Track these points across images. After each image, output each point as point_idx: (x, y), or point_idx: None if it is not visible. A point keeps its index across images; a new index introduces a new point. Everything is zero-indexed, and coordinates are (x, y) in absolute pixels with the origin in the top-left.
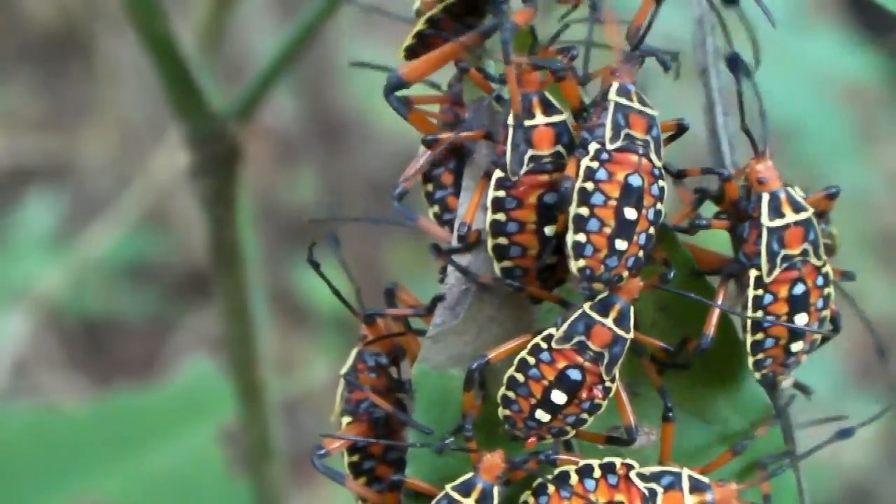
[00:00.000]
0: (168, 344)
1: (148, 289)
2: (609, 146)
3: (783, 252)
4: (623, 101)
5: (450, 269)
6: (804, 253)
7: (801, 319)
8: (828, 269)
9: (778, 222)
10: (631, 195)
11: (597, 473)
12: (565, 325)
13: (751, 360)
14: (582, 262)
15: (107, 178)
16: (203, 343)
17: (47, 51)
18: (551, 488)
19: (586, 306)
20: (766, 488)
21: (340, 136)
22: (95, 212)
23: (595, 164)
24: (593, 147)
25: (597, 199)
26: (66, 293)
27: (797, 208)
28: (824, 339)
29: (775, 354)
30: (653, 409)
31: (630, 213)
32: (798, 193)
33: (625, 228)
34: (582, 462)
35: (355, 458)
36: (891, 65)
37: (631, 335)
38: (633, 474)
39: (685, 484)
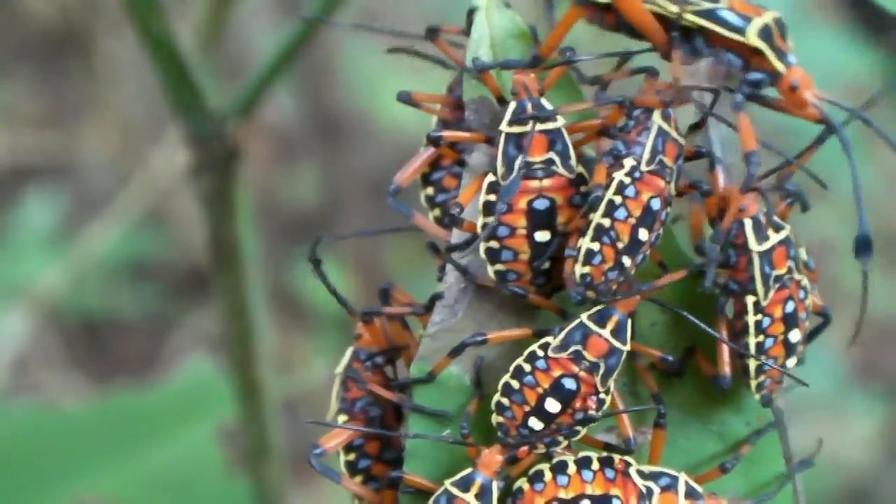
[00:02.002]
0: (168, 343)
1: (148, 287)
2: (644, 167)
3: (774, 273)
4: (665, 126)
5: (449, 267)
6: (789, 270)
7: (794, 336)
8: (805, 281)
9: (766, 245)
10: (648, 217)
11: (595, 466)
12: (562, 334)
13: (753, 383)
14: (587, 269)
15: (106, 176)
16: (202, 342)
17: (47, 49)
18: (548, 476)
19: (584, 316)
20: None
21: (340, 135)
22: (95, 210)
23: (627, 180)
24: (629, 163)
25: (620, 213)
26: (65, 291)
27: (777, 227)
28: (811, 336)
29: (773, 374)
30: (651, 410)
31: (643, 234)
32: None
33: (634, 247)
34: (581, 453)
35: (351, 456)
36: (891, 63)
37: (627, 347)
38: (631, 471)
39: (681, 488)
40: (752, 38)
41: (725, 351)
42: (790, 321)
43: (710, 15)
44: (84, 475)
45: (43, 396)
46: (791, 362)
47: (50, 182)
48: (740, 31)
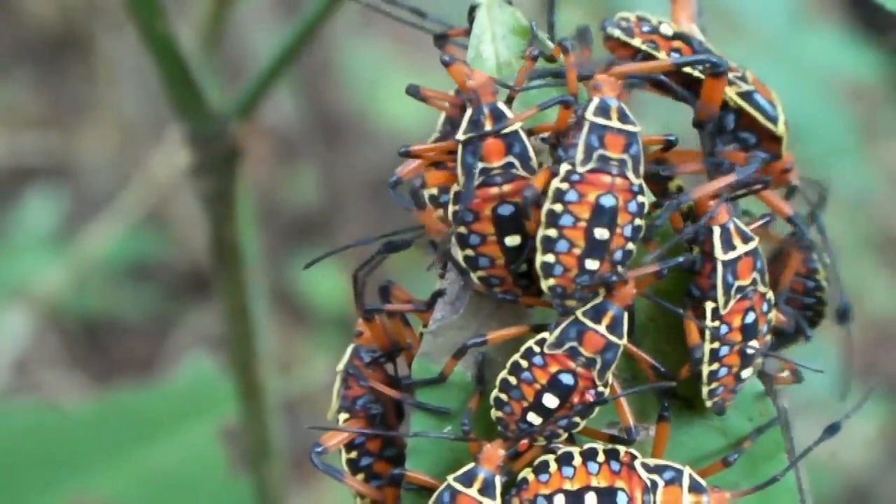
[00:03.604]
0: (168, 343)
1: (148, 288)
2: (580, 168)
3: (737, 283)
4: (599, 120)
5: (449, 264)
6: (754, 282)
7: (752, 347)
8: (770, 294)
9: (731, 255)
10: (603, 216)
11: (600, 458)
12: (557, 331)
13: (705, 389)
14: (552, 282)
15: (107, 176)
16: (203, 342)
17: (47, 49)
18: (553, 467)
19: (579, 313)
20: None
21: (340, 135)
22: (96, 211)
23: (565, 186)
24: (564, 168)
25: (565, 220)
26: (66, 292)
27: (745, 238)
28: (783, 344)
29: (727, 383)
30: (652, 405)
31: (601, 234)
32: (742, 223)
33: (596, 248)
34: (587, 445)
35: (353, 454)
36: (892, 63)
37: (624, 341)
38: (636, 463)
39: (685, 482)
40: (781, 129)
41: (692, 326)
42: (749, 332)
43: (750, 99)
44: (84, 475)
45: (44, 397)
46: (746, 373)
47: (50, 182)
48: (774, 120)
